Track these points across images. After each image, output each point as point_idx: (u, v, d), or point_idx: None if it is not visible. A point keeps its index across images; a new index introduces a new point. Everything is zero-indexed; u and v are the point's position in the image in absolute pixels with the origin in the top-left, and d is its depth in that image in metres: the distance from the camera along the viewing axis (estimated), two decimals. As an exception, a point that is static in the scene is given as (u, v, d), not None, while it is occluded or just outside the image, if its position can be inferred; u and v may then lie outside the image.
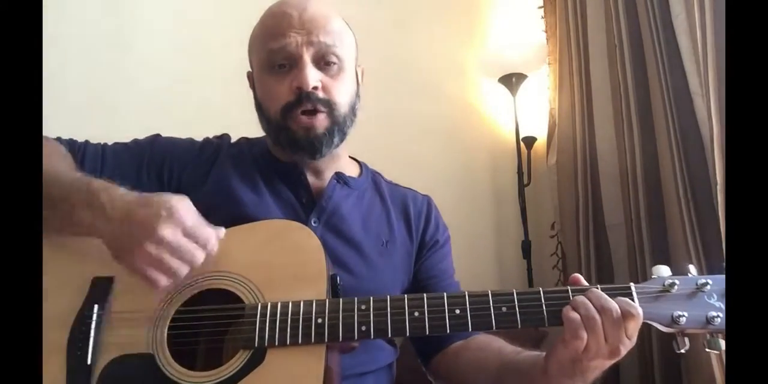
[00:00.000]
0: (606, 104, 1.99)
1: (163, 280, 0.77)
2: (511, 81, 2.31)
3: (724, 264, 0.83)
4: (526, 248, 2.23)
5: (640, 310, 0.77)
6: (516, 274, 2.29)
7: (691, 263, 1.55)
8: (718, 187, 1.52)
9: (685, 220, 1.62)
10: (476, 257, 2.29)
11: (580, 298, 0.79)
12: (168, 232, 0.75)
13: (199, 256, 0.78)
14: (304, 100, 0.97)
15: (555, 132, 2.20)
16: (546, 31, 2.34)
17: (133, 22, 1.96)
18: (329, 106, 0.99)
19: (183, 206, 0.78)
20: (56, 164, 0.90)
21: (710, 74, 1.58)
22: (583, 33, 2.10)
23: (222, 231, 0.82)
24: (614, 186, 1.94)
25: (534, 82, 2.35)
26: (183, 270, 0.77)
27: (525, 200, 2.27)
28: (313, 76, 0.97)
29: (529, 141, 2.38)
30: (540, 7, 2.38)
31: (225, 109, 1.88)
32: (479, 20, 2.55)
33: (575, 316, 0.77)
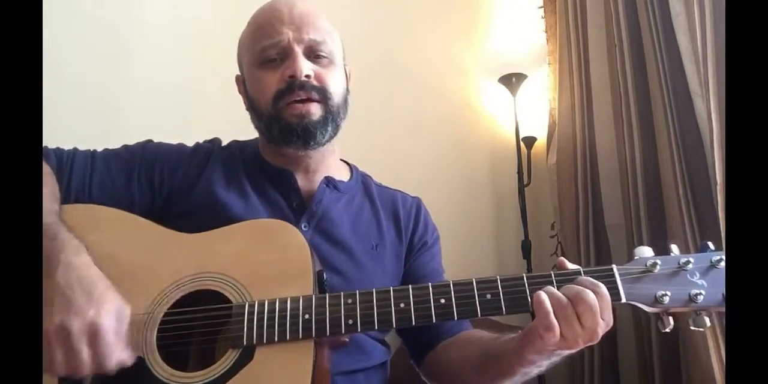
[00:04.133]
0: (606, 104, 1.99)
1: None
2: (511, 81, 2.31)
3: (706, 242, 0.85)
4: (526, 248, 2.22)
5: (603, 288, 0.78)
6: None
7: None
8: (718, 187, 1.52)
9: (685, 220, 1.62)
10: (476, 257, 2.29)
11: (546, 291, 0.79)
12: (75, 329, 0.71)
13: (85, 369, 0.73)
14: (297, 89, 0.98)
15: (555, 132, 2.20)
16: (546, 31, 2.34)
17: (133, 24, 1.96)
18: (323, 94, 1.00)
19: (113, 314, 0.74)
20: None
21: (710, 74, 1.57)
22: (583, 33, 2.10)
23: (131, 362, 0.77)
24: (614, 186, 1.94)
25: (534, 82, 2.35)
26: (59, 367, 0.72)
27: (525, 200, 2.27)
28: (306, 65, 0.99)
29: (529, 141, 2.38)
30: (540, 7, 2.38)
31: (224, 111, 1.89)
32: (479, 20, 2.56)
33: (547, 309, 0.77)
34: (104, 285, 0.77)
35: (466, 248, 2.22)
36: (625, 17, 1.88)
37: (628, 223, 1.86)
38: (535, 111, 2.36)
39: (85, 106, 1.82)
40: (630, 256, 1.83)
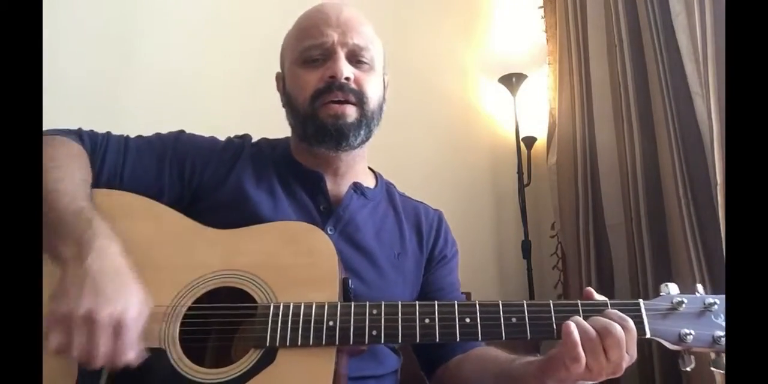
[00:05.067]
0: (606, 104, 1.99)
1: (55, 347, 0.72)
2: (511, 81, 2.31)
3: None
4: (526, 248, 2.22)
5: (631, 323, 0.79)
6: (516, 274, 2.29)
7: (691, 263, 1.58)
8: (718, 187, 1.52)
9: (685, 220, 1.62)
10: (476, 257, 2.29)
11: (574, 321, 0.79)
12: (105, 318, 0.71)
13: (99, 361, 0.72)
14: (336, 90, 1.00)
15: (555, 132, 2.20)
16: (546, 31, 2.34)
17: (138, 20, 1.96)
18: (360, 98, 1.01)
19: (138, 310, 0.75)
20: (68, 183, 0.86)
21: (710, 74, 1.58)
22: (583, 33, 2.10)
23: (144, 356, 0.76)
24: (614, 186, 1.94)
25: (534, 82, 2.35)
26: (81, 354, 0.72)
27: (525, 200, 2.27)
28: (346, 68, 1.01)
29: (529, 141, 2.38)
30: (540, 7, 2.38)
31: (230, 109, 1.89)
32: (479, 20, 2.56)
33: (575, 340, 0.77)
34: (133, 277, 0.78)
35: (466, 248, 2.21)
36: (625, 17, 1.89)
37: (628, 223, 1.86)
38: (535, 111, 2.36)
39: (89, 103, 1.82)
40: (630, 256, 1.84)
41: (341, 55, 1.01)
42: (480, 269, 2.29)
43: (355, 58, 1.03)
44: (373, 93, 1.04)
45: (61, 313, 0.72)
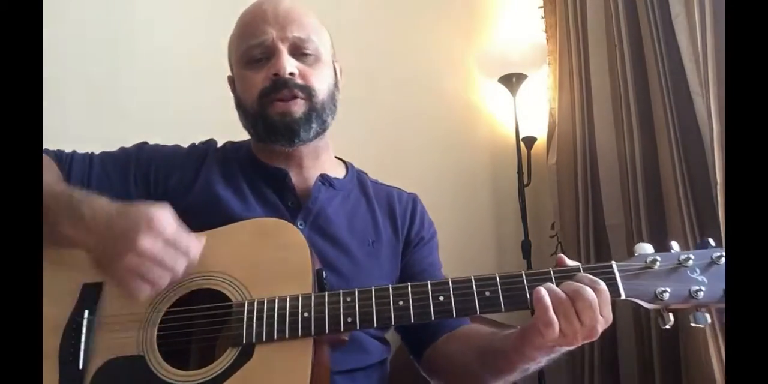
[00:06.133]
0: (606, 104, 1.99)
1: (147, 290, 0.77)
2: (511, 81, 2.31)
3: (707, 238, 0.84)
4: (526, 248, 2.22)
5: (602, 285, 0.78)
6: (516, 274, 2.28)
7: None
8: (718, 187, 1.52)
9: (685, 220, 1.62)
10: (476, 257, 2.29)
11: (545, 287, 0.79)
12: (148, 242, 0.75)
13: (181, 264, 0.78)
14: (281, 87, 0.99)
15: (555, 132, 2.20)
16: (546, 31, 2.34)
17: (133, 24, 1.96)
18: (307, 91, 1.01)
19: (162, 215, 0.78)
20: (45, 176, 0.89)
21: (710, 74, 1.58)
22: (583, 33, 2.10)
23: (203, 238, 0.82)
24: (614, 186, 1.94)
25: (534, 82, 2.35)
26: (165, 279, 0.78)
27: (525, 200, 2.27)
28: (289, 63, 1.00)
29: (529, 141, 2.38)
30: (540, 7, 2.38)
31: (224, 111, 1.89)
32: (479, 20, 2.55)
33: (546, 305, 0.77)
34: (129, 206, 0.80)
35: (465, 248, 2.22)
36: (625, 17, 1.89)
37: (628, 223, 1.86)
38: (535, 111, 2.36)
39: (87, 104, 1.82)
40: (630, 256, 1.84)
41: (283, 50, 1.00)
42: (480, 269, 2.27)
43: (299, 50, 1.02)
44: (321, 84, 1.03)
45: (119, 271, 0.76)
